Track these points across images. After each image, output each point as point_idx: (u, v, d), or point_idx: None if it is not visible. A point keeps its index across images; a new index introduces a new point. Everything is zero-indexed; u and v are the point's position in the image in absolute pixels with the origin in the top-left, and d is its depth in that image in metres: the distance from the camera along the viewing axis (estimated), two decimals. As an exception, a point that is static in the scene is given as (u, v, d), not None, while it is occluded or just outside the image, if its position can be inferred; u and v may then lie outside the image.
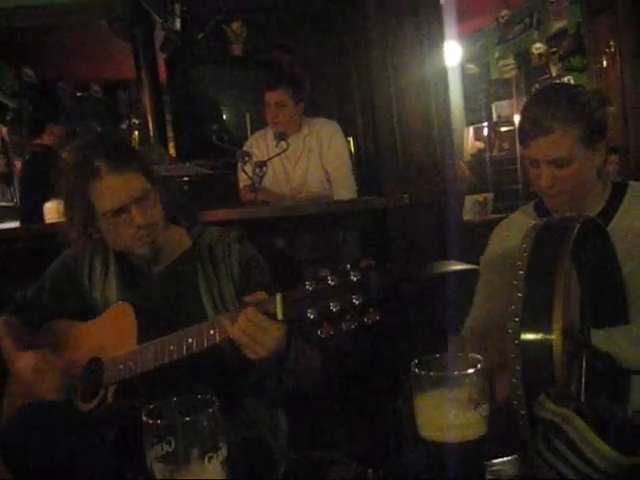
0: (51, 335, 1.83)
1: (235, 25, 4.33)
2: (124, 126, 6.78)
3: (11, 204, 6.03)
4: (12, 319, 1.88)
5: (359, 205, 2.96)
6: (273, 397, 1.70)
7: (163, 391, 1.57)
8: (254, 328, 1.38)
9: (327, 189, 3.41)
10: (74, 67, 6.61)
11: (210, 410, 0.87)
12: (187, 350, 1.49)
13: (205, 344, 1.48)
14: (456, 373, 0.92)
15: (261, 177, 2.97)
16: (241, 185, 3.26)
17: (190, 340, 1.49)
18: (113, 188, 1.63)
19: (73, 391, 1.67)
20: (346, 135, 3.62)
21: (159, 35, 4.52)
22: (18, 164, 6.37)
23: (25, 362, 1.69)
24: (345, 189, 3.40)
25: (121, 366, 1.60)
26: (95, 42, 5.51)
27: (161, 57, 4.56)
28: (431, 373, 0.92)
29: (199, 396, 0.91)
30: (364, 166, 4.43)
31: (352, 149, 4.41)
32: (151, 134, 4.33)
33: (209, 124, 3.91)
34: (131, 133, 6.58)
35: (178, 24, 4.36)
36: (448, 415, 0.90)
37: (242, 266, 1.73)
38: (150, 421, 0.85)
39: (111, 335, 1.68)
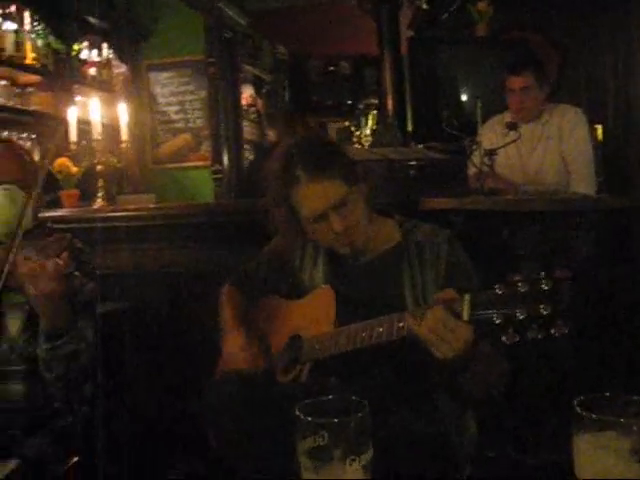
0: (263, 309, 1.98)
1: (481, 4, 4.23)
2: (361, 106, 6.99)
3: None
4: (234, 290, 2.07)
5: (592, 204, 2.75)
6: (464, 397, 1.69)
7: (354, 375, 1.65)
8: (441, 327, 1.38)
9: (564, 181, 3.24)
10: (322, 44, 6.93)
11: (359, 414, 0.90)
12: (376, 339, 1.54)
13: (394, 335, 1.51)
14: (622, 420, 0.85)
15: (489, 166, 2.90)
16: (469, 172, 3.22)
17: (380, 329, 1.53)
18: (312, 196, 1.68)
19: (273, 364, 1.81)
20: (593, 122, 3.40)
21: (405, 13, 4.56)
22: (270, 134, 6.86)
23: (234, 337, 1.86)
24: (584, 182, 3.21)
25: (317, 346, 1.70)
26: (341, 20, 5.73)
27: (405, 36, 4.60)
28: (593, 415, 0.85)
29: (353, 397, 0.94)
30: (610, 157, 4.14)
31: (599, 137, 4.13)
32: (389, 114, 4.41)
33: (442, 108, 3.89)
34: (367, 114, 6.76)
35: (424, 3, 4.37)
36: (606, 462, 0.84)
37: (449, 269, 1.71)
38: (302, 417, 0.90)
39: (312, 315, 1.78)
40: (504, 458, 2.34)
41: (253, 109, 6.75)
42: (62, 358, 1.74)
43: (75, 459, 1.63)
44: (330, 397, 0.96)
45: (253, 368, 1.77)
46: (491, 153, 2.89)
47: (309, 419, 0.89)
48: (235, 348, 1.83)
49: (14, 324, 1.91)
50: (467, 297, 1.35)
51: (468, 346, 1.40)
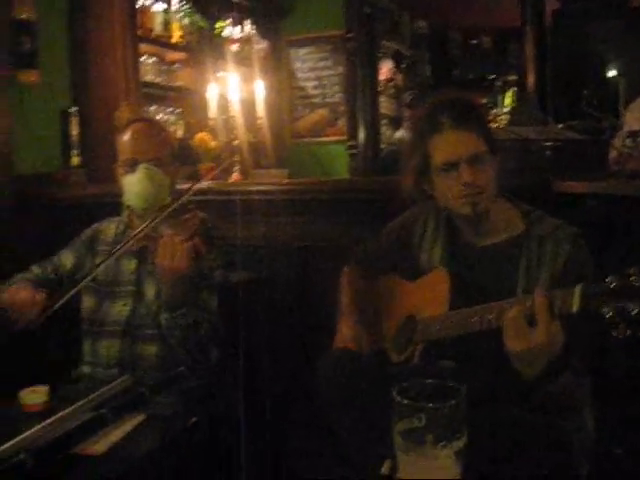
0: (381, 288, 2.01)
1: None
2: (499, 83, 6.74)
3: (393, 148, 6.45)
4: (354, 271, 2.11)
5: None
6: (577, 393, 1.64)
7: (466, 359, 1.65)
8: (519, 322, 1.37)
9: None
10: (463, 16, 6.77)
11: (454, 401, 0.91)
12: (486, 325, 1.53)
13: (502, 323, 1.49)
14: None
15: (631, 148, 2.74)
16: (610, 156, 3.06)
17: (490, 316, 1.52)
18: (450, 143, 1.73)
19: (386, 344, 1.84)
20: None
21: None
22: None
23: (347, 320, 1.92)
24: None
25: (430, 327, 1.71)
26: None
27: (550, 7, 4.41)
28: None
29: (451, 384, 0.95)
30: None
31: None
32: (530, 90, 4.26)
33: (583, 86, 3.69)
34: (504, 91, 6.52)
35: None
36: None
37: (567, 268, 1.66)
38: (399, 398, 0.93)
39: (427, 297, 1.79)
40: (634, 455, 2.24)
41: (392, 84, 6.72)
42: (181, 328, 1.86)
43: (194, 419, 1.74)
44: (428, 381, 0.98)
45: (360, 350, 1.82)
46: (635, 135, 2.73)
47: (405, 401, 0.92)
48: (347, 331, 1.89)
49: (150, 291, 2.06)
50: (578, 288, 1.31)
51: (541, 351, 1.37)
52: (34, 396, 1.58)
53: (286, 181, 3.28)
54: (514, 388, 1.52)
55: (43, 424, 1.44)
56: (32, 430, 1.39)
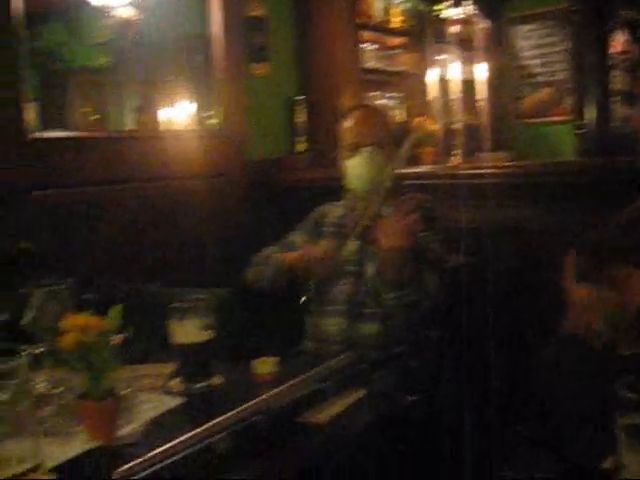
0: (614, 278, 1.88)
1: None
2: None
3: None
4: (584, 256, 1.99)
5: None
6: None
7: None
8: None
9: None
10: None
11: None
12: None
13: None
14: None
15: None
16: None
17: None
18: None
19: (617, 334, 1.72)
20: None
21: None
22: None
23: (579, 294, 1.80)
24: None
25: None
26: None
27: None
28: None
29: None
30: None
31: None
32: None
33: None
34: None
35: None
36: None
37: None
38: (622, 392, 0.87)
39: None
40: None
41: (626, 56, 6.21)
42: (403, 306, 1.89)
43: (413, 398, 1.76)
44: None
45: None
46: None
47: (631, 395, 0.86)
48: (575, 318, 1.79)
49: (371, 270, 2.12)
50: None
51: None
52: (265, 366, 1.69)
53: (506, 164, 3.19)
54: None
55: (272, 392, 1.54)
56: (264, 396, 1.50)
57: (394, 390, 1.84)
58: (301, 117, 3.63)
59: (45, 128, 2.83)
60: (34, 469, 1.16)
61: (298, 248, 2.29)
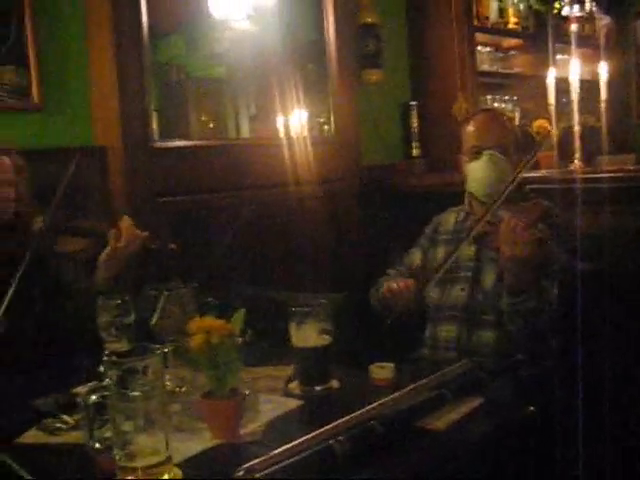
0: None
1: None
2: None
3: None
4: None
5: None
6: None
7: None
8: None
9: None
10: None
11: None
12: None
13: None
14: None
15: None
16: None
17: None
18: None
19: None
20: None
21: None
22: None
23: None
24: None
25: None
26: None
27: None
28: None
29: None
30: None
31: None
32: None
33: None
34: None
35: None
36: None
37: None
38: None
39: None
40: None
41: None
42: (522, 314, 1.84)
43: (531, 408, 1.71)
44: None
45: None
46: None
47: None
48: None
49: (489, 276, 2.08)
50: None
51: None
52: (382, 371, 1.70)
53: (631, 167, 3.05)
54: None
55: (390, 397, 1.55)
56: (381, 401, 1.50)
57: (512, 400, 1.80)
58: (415, 122, 3.61)
59: (165, 137, 2.97)
60: (163, 462, 1.21)
61: (417, 264, 2.30)
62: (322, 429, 1.34)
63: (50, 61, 2.66)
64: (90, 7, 2.72)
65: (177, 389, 1.62)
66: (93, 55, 2.73)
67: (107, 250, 2.07)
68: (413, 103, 3.64)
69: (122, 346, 1.72)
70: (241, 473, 1.20)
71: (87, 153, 2.63)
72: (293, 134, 3.43)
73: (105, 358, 1.45)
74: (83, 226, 2.17)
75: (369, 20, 3.50)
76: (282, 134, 3.52)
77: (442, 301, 2.16)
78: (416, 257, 2.33)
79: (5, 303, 1.87)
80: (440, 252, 2.23)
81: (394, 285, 2.10)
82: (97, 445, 1.27)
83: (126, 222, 2.07)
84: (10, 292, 1.87)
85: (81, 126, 2.72)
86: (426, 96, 3.67)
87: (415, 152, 3.61)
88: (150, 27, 2.81)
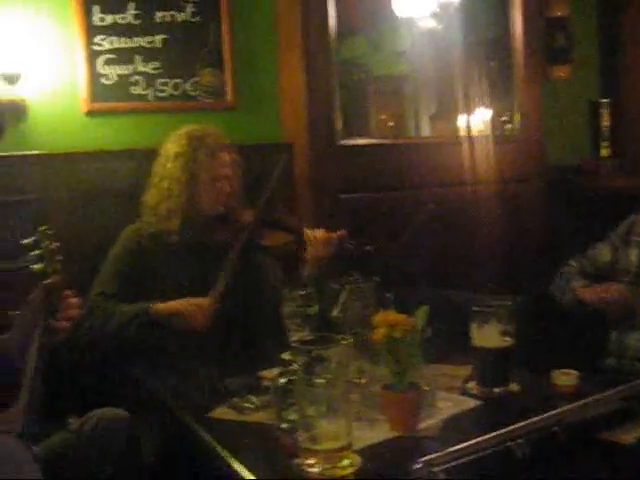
0: None
1: None
2: None
3: None
4: None
5: None
6: None
7: None
8: None
9: None
10: None
11: None
12: None
13: None
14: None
15: None
16: None
17: None
18: None
19: None
20: None
21: None
22: None
23: None
24: None
25: None
26: None
27: None
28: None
29: None
30: None
31: None
32: None
33: None
34: None
35: None
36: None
37: None
38: None
39: None
40: None
41: None
42: None
43: None
44: None
45: None
46: None
47: None
48: None
49: None
50: None
51: None
52: (565, 378, 1.64)
53: None
54: None
55: (573, 405, 1.49)
56: (563, 408, 1.46)
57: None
58: (605, 121, 3.43)
59: (347, 135, 3.04)
60: (344, 448, 1.26)
61: (604, 260, 2.19)
62: (502, 430, 1.33)
63: (242, 63, 2.84)
64: (280, 10, 2.86)
65: (356, 380, 1.66)
66: (282, 56, 2.87)
67: (309, 252, 2.15)
68: (604, 100, 3.45)
69: (304, 335, 1.79)
70: (420, 466, 1.22)
71: (275, 150, 2.77)
72: (475, 133, 3.38)
73: (293, 344, 1.52)
74: (286, 221, 2.27)
75: (559, 13, 3.37)
76: (463, 133, 3.48)
77: (629, 309, 2.05)
78: (605, 253, 2.21)
79: (217, 291, 2.02)
80: (633, 254, 2.12)
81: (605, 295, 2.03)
82: (284, 425, 1.35)
83: (319, 232, 2.16)
84: (221, 281, 2.02)
85: (270, 124, 2.87)
86: (619, 93, 3.47)
87: (604, 152, 3.43)
88: (336, 27, 2.90)
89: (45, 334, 1.34)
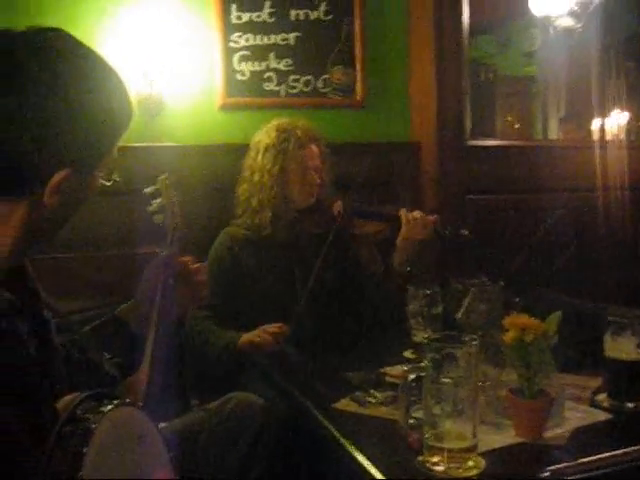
0: None
1: None
2: None
3: None
4: None
5: None
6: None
7: None
8: None
9: None
10: None
11: None
12: None
13: None
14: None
15: None
16: None
17: None
18: None
19: None
20: None
21: None
22: None
23: None
24: None
25: None
26: None
27: None
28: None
29: None
30: None
31: None
32: None
33: None
34: None
35: None
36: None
37: None
38: None
39: None
40: None
41: None
42: None
43: None
44: None
45: None
46: None
47: None
48: None
49: None
50: None
51: None
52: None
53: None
54: None
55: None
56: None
57: None
58: None
59: (476, 136, 3.00)
60: (469, 449, 1.25)
61: None
62: (635, 447, 1.28)
63: (373, 61, 2.86)
64: (413, 9, 2.86)
65: (481, 383, 1.65)
66: (413, 54, 2.86)
67: (402, 233, 2.16)
68: None
69: (428, 334, 1.79)
70: (547, 474, 1.20)
71: (402, 148, 2.78)
72: (609, 137, 3.25)
73: (422, 342, 1.53)
74: (377, 211, 2.29)
75: None
76: (595, 136, 3.35)
77: None
78: None
79: (311, 282, 2.06)
80: None
81: None
82: (411, 421, 1.35)
83: (417, 213, 2.16)
84: (314, 271, 2.06)
85: (398, 123, 2.87)
86: None
87: None
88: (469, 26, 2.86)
89: (168, 299, 1.27)
